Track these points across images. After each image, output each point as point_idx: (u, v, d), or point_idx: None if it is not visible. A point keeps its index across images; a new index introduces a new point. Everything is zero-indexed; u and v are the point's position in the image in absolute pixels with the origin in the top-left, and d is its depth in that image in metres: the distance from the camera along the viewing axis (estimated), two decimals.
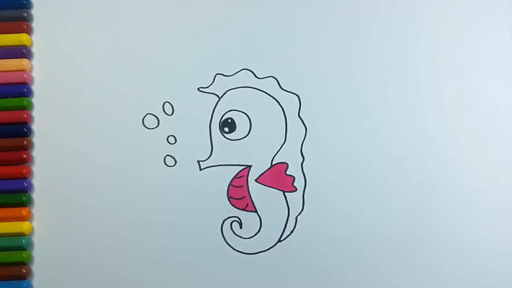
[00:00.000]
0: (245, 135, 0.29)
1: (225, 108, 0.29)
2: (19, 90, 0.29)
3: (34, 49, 0.30)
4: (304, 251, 0.28)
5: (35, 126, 0.29)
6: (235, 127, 0.29)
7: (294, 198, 0.28)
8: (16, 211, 0.28)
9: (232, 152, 0.29)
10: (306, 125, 0.29)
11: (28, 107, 0.29)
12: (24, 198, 0.28)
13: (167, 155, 0.29)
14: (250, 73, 0.29)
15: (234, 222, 0.28)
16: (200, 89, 0.29)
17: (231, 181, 0.29)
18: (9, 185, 0.28)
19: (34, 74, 0.30)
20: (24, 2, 0.30)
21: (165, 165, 0.29)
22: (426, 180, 0.28)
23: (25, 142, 0.29)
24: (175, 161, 0.29)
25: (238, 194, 0.29)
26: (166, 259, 0.28)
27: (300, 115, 0.29)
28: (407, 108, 0.29)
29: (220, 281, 0.28)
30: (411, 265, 0.28)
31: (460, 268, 0.28)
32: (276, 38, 0.30)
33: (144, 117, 0.29)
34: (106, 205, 0.29)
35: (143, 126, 0.29)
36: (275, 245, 0.28)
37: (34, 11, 0.30)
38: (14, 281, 0.28)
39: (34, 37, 0.30)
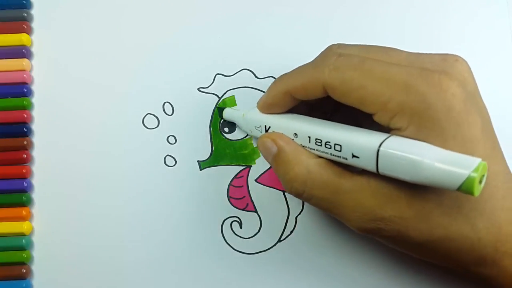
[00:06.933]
0: (245, 135, 0.29)
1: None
2: (19, 90, 0.29)
3: (34, 49, 0.30)
4: (304, 251, 0.28)
5: (35, 126, 0.29)
6: (235, 127, 0.29)
7: (294, 198, 0.28)
8: (16, 211, 0.28)
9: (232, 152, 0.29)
10: None
11: (28, 107, 0.29)
12: (24, 198, 0.28)
13: (167, 155, 0.29)
14: (250, 73, 0.29)
15: (234, 222, 0.28)
16: (200, 89, 0.29)
17: (231, 181, 0.29)
18: (9, 185, 0.28)
19: (34, 74, 0.30)
20: (24, 2, 0.30)
21: (165, 165, 0.29)
22: None
23: (25, 142, 0.29)
24: (175, 161, 0.29)
25: (238, 194, 0.29)
26: (166, 259, 0.28)
27: None
28: None
29: (220, 281, 0.28)
30: (412, 265, 0.28)
31: None
32: (276, 38, 0.30)
33: (144, 117, 0.29)
34: (106, 205, 0.29)
35: (143, 126, 0.29)
36: (275, 245, 0.28)
37: (34, 11, 0.30)
38: (14, 281, 0.28)
39: (34, 37, 0.30)
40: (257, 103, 0.26)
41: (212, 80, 0.29)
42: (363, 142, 0.20)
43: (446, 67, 0.20)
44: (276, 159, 0.23)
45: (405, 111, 0.19)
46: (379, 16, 0.30)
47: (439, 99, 0.19)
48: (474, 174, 0.17)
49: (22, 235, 0.28)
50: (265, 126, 0.25)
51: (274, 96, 0.24)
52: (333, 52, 0.22)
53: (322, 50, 0.23)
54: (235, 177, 0.29)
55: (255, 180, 0.29)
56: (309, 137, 0.22)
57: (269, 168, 0.29)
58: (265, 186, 0.29)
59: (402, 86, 0.19)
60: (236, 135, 0.29)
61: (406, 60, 0.21)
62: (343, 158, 0.21)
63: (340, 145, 0.21)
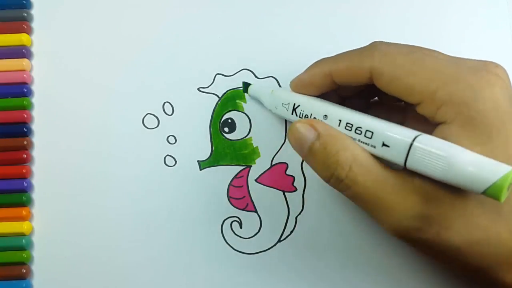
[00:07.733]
0: (245, 135, 0.29)
1: (225, 108, 0.29)
2: (19, 90, 0.29)
3: (34, 49, 0.30)
4: (304, 251, 0.28)
5: (35, 126, 0.29)
6: (235, 127, 0.29)
7: (294, 198, 0.28)
8: (16, 211, 0.28)
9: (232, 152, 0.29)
10: None
11: (28, 107, 0.29)
12: (24, 198, 0.28)
13: (167, 155, 0.29)
14: (250, 73, 0.29)
15: (234, 222, 0.28)
16: (200, 89, 0.29)
17: (231, 181, 0.29)
18: (9, 185, 0.28)
19: (34, 74, 0.30)
20: (24, 2, 0.30)
21: (165, 165, 0.29)
22: None
23: (25, 142, 0.29)
24: (175, 161, 0.29)
25: (238, 194, 0.29)
26: (166, 259, 0.28)
27: None
28: None
29: (220, 281, 0.28)
30: (413, 265, 0.28)
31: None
32: (276, 38, 0.30)
33: (144, 117, 0.29)
34: (106, 205, 0.29)
35: (143, 126, 0.29)
36: (275, 245, 0.28)
37: (34, 11, 0.30)
38: (14, 281, 0.28)
39: (34, 37, 0.30)
40: (291, 81, 0.25)
41: (212, 80, 0.29)
42: (397, 133, 0.20)
43: (489, 68, 0.21)
44: (316, 146, 0.22)
45: (453, 101, 0.19)
46: (379, 17, 0.30)
47: (488, 92, 0.19)
48: (502, 182, 0.17)
49: (22, 235, 0.28)
50: (294, 104, 0.25)
51: (313, 75, 0.24)
52: (380, 42, 0.22)
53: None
54: (235, 177, 0.29)
55: (255, 180, 0.29)
56: (340, 120, 0.22)
57: (269, 168, 0.29)
58: (265, 186, 0.29)
59: (452, 76, 0.19)
60: (236, 135, 0.29)
61: (449, 60, 0.21)
62: (372, 146, 0.21)
63: (372, 132, 0.21)
